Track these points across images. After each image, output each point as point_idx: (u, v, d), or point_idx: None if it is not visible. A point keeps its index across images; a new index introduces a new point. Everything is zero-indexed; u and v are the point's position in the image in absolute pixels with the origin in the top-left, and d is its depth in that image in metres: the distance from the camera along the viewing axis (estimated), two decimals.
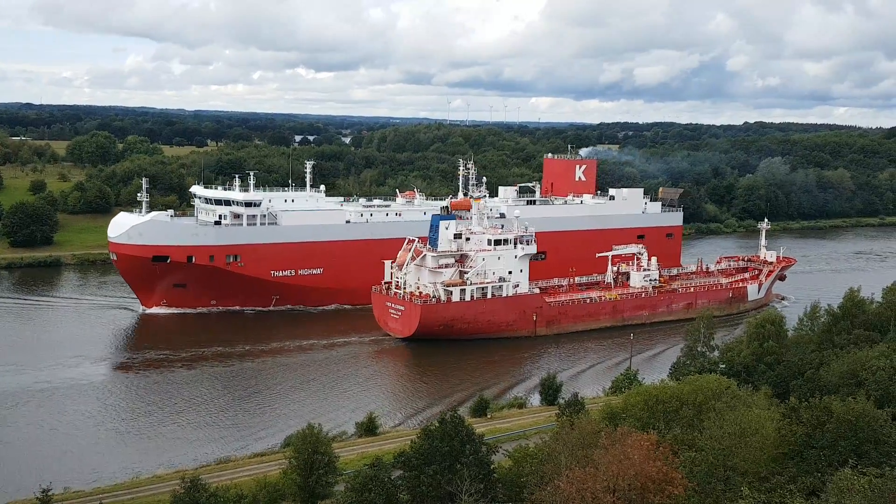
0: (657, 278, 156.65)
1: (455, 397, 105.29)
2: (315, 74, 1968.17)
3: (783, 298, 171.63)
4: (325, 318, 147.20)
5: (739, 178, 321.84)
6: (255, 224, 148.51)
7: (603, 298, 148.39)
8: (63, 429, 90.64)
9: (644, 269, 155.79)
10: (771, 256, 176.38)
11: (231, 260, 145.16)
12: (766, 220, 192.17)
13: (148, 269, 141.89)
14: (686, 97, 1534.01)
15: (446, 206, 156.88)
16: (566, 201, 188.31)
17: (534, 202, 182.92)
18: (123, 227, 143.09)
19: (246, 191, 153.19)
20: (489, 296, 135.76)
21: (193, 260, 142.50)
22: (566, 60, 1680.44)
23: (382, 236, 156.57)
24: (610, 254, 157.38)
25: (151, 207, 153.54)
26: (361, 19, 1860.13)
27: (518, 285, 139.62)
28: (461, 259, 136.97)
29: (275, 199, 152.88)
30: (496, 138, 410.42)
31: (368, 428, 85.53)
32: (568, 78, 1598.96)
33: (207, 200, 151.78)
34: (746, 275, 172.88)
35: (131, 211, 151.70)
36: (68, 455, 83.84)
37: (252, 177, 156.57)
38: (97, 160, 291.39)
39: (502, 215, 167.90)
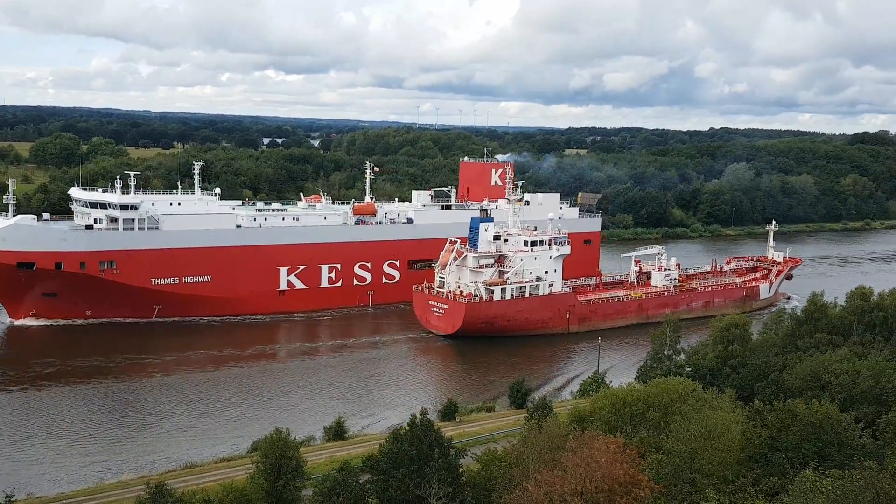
0: (677, 278, 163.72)
1: (497, 391, 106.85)
2: (284, 77, 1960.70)
3: (789, 297, 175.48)
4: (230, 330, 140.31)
5: (705, 184, 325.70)
6: (132, 228, 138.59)
7: (629, 297, 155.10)
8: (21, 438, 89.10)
9: (665, 269, 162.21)
10: (779, 257, 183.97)
11: (105, 267, 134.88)
12: (773, 222, 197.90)
13: (13, 278, 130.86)
14: (654, 103, 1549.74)
15: (485, 209, 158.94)
16: (481, 206, 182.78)
17: (449, 207, 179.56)
18: None
19: (127, 193, 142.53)
20: (527, 294, 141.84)
21: (63, 267, 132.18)
22: (537, 66, 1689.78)
23: (276, 242, 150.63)
24: (633, 254, 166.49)
25: (20, 211, 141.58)
26: (332, 23, 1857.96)
27: (553, 284, 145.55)
28: (500, 259, 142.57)
29: (158, 203, 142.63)
30: (465, 142, 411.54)
31: (337, 432, 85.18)
32: (538, 83, 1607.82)
33: (84, 203, 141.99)
34: (757, 274, 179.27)
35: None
36: (24, 463, 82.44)
37: (133, 178, 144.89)
38: (61, 162, 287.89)
39: (409, 220, 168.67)
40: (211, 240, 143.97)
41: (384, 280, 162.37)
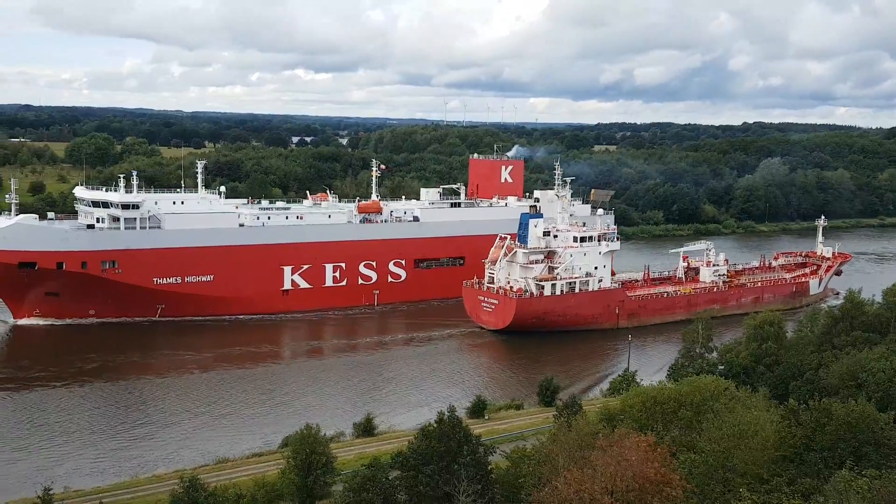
0: (726, 273, 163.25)
1: (527, 389, 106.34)
2: (313, 76, 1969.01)
3: (838, 293, 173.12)
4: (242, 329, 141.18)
5: (738, 179, 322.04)
6: (134, 227, 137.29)
7: (678, 293, 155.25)
8: (59, 431, 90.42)
9: (713, 265, 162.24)
10: (828, 252, 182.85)
11: (107, 266, 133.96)
12: (822, 217, 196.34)
13: (14, 277, 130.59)
14: (685, 97, 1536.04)
15: (534, 205, 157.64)
16: (491, 204, 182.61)
17: (458, 205, 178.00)
18: None
19: (130, 192, 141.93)
20: (577, 290, 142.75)
21: (64, 266, 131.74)
22: (565, 61, 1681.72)
23: (280, 241, 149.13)
24: (681, 250, 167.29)
25: (23, 210, 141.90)
26: (360, 21, 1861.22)
27: (602, 280, 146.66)
28: (549, 255, 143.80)
29: (161, 202, 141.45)
30: (493, 139, 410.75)
31: (366, 429, 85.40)
32: (567, 78, 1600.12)
33: (87, 203, 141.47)
34: (807, 270, 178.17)
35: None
36: (61, 457, 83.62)
37: (135, 177, 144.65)
38: (96, 161, 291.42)
39: (416, 218, 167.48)
40: (213, 239, 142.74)
41: (390, 279, 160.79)
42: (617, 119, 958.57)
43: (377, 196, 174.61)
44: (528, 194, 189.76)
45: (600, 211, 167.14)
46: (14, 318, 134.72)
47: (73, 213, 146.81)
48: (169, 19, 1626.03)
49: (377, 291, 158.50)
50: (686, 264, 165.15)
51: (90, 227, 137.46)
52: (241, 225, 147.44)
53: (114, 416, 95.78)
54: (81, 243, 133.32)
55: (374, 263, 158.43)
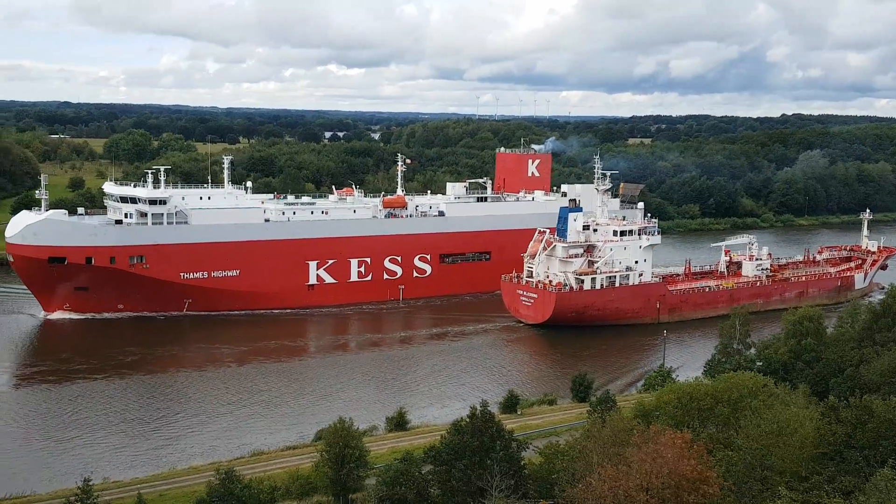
0: (769, 267, 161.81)
1: (561, 384, 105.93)
2: (346, 71, 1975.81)
3: (884, 287, 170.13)
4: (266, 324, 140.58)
5: (777, 172, 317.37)
6: (161, 223, 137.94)
7: (720, 287, 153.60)
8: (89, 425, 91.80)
9: (756, 259, 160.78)
10: (873, 246, 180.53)
11: (135, 261, 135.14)
12: (868, 210, 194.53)
13: (45, 272, 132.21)
14: (722, 89, 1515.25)
15: (574, 199, 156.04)
16: (518, 198, 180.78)
17: (485, 199, 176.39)
18: (19, 226, 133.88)
19: (157, 187, 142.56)
20: (617, 284, 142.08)
21: (93, 261, 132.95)
22: (599, 53, 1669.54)
23: (305, 236, 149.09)
24: (722, 244, 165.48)
25: (23, 205, 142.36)
26: (393, 15, 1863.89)
27: (642, 274, 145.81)
28: (589, 249, 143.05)
29: (188, 197, 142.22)
30: (525, 132, 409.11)
31: (398, 423, 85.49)
32: (600, 71, 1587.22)
33: (115, 198, 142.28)
34: (852, 264, 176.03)
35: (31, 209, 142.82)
36: (99, 448, 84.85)
37: (162, 172, 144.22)
38: (133, 157, 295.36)
39: (441, 213, 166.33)
40: (239, 234, 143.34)
41: (415, 274, 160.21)
42: (652, 111, 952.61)
43: (402, 191, 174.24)
44: (555, 188, 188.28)
45: (641, 204, 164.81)
46: (44, 311, 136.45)
47: (104, 209, 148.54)
48: (205, 16, 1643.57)
49: (402, 286, 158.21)
50: (728, 258, 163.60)
51: (118, 222, 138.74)
52: (267, 220, 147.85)
53: (151, 408, 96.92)
54: (109, 238, 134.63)
55: (399, 258, 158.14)
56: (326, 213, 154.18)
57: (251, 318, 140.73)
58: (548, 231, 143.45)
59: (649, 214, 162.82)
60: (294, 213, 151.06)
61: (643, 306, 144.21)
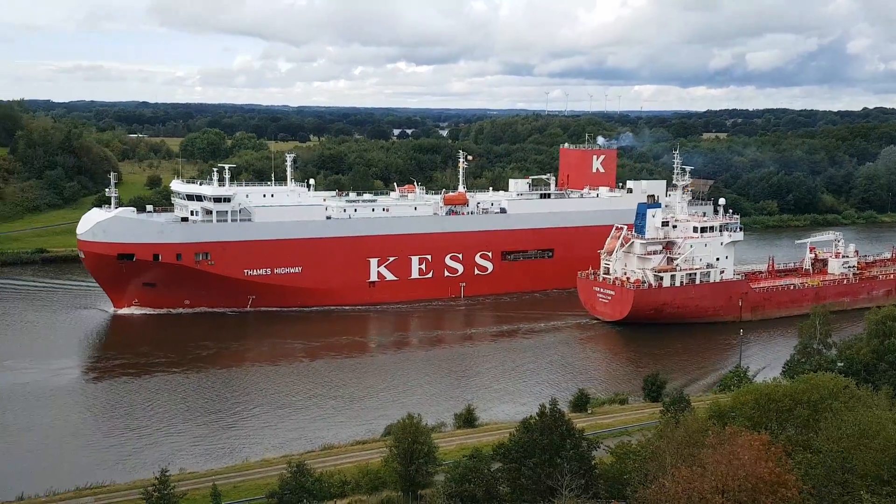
0: (856, 265, 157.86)
1: (633, 383, 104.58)
2: (415, 68, 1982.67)
3: None
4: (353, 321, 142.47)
5: (858, 167, 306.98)
6: (225, 220, 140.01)
7: (805, 285, 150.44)
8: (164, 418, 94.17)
9: (842, 256, 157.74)
10: None
11: (200, 258, 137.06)
12: None
13: (114, 268, 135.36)
14: (801, 82, 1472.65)
15: (653, 195, 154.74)
16: (582, 195, 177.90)
17: (548, 195, 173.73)
18: (89, 223, 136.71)
19: (222, 185, 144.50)
20: (697, 281, 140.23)
21: (160, 258, 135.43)
22: (674, 46, 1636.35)
23: (366, 233, 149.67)
24: (807, 241, 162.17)
25: (103, 203, 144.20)
26: (462, 12, 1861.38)
27: (724, 271, 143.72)
28: (668, 246, 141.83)
29: (252, 195, 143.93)
30: (596, 128, 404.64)
31: (467, 419, 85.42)
32: (674, 64, 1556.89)
33: (182, 196, 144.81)
34: None
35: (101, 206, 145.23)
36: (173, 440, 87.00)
37: (227, 170, 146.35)
38: (208, 156, 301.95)
39: (503, 210, 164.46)
40: (301, 231, 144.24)
41: (476, 272, 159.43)
42: (727, 105, 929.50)
43: (464, 188, 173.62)
44: (620, 185, 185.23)
45: (722, 201, 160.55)
46: (114, 307, 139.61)
47: (172, 207, 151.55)
48: (277, 16, 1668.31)
49: (464, 284, 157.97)
50: (813, 256, 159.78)
51: (184, 219, 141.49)
52: (329, 217, 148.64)
53: (226, 401, 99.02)
54: (176, 236, 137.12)
55: (460, 256, 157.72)
56: (387, 210, 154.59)
57: (314, 315, 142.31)
58: (625, 227, 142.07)
59: (731, 210, 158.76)
60: (355, 210, 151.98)
61: (724, 304, 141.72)
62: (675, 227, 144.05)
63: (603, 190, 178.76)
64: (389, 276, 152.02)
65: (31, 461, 79.64)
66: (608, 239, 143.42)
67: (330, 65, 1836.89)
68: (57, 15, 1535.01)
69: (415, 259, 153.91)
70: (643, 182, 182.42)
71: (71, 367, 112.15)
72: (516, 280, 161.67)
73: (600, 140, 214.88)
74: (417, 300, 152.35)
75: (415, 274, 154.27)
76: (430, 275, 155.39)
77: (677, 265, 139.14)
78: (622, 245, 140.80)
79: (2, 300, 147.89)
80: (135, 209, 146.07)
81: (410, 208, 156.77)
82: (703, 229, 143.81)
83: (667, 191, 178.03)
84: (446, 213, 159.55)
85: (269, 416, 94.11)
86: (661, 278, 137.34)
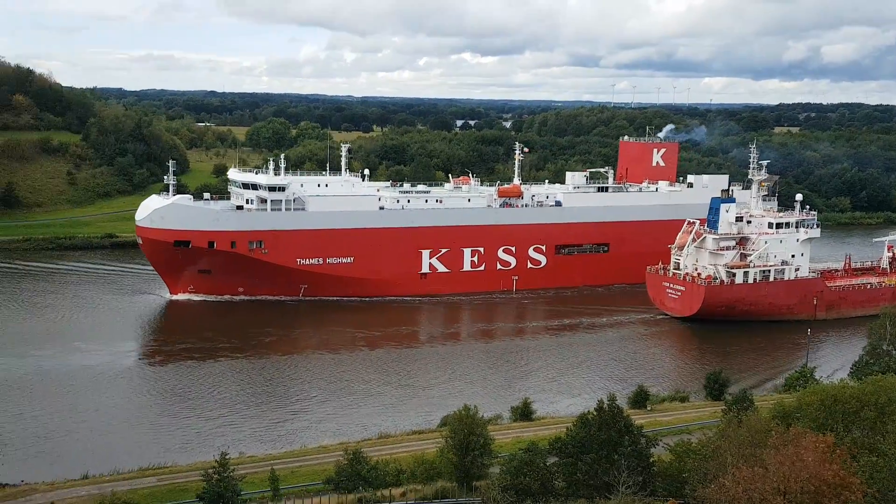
0: None
1: (694, 381, 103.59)
2: (480, 59, 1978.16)
3: None
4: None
5: None
6: (279, 209, 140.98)
7: (883, 284, 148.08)
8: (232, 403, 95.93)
9: None
10: None
11: (254, 246, 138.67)
12: None
13: (171, 255, 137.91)
14: (878, 76, 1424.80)
15: (727, 189, 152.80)
16: (640, 188, 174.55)
17: (605, 189, 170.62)
18: (147, 210, 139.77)
19: (277, 174, 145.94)
20: (771, 279, 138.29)
21: (215, 246, 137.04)
22: (746, 38, 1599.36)
23: (419, 224, 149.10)
24: (885, 239, 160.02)
25: (180, 190, 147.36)
26: (528, 2, 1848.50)
27: (799, 269, 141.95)
28: (741, 242, 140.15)
29: (306, 184, 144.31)
30: (663, 121, 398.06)
31: (523, 413, 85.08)
32: (747, 56, 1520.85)
33: (238, 185, 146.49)
34: None
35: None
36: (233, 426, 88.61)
37: (282, 160, 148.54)
38: (273, 145, 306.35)
39: (558, 203, 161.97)
40: (354, 221, 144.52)
41: (529, 265, 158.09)
42: (801, 99, 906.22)
43: (519, 180, 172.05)
44: (681, 178, 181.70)
45: (799, 196, 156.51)
46: (171, 293, 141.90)
47: (229, 195, 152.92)
48: (344, 6, 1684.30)
49: (516, 277, 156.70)
50: (891, 254, 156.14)
51: (239, 208, 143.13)
52: (382, 208, 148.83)
53: (285, 387, 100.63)
54: (230, 223, 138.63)
55: (513, 249, 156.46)
56: (441, 201, 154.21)
57: (366, 305, 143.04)
58: (697, 222, 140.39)
59: (808, 207, 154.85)
60: (408, 201, 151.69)
61: (798, 302, 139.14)
62: (749, 222, 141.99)
63: (662, 184, 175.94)
64: (441, 268, 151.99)
65: (97, 441, 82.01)
66: (679, 233, 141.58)
67: (395, 55, 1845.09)
68: (130, 5, 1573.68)
69: (467, 251, 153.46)
70: (704, 177, 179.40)
71: (136, 350, 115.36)
72: (570, 274, 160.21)
73: (665, 130, 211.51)
74: (469, 293, 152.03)
75: (467, 266, 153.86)
76: (482, 267, 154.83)
77: (751, 261, 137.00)
78: (694, 240, 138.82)
79: (73, 283, 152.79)
80: (191, 197, 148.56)
81: (464, 200, 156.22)
82: (779, 225, 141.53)
83: (729, 186, 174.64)
84: (500, 206, 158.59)
85: (327, 403, 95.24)
86: (734, 274, 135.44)
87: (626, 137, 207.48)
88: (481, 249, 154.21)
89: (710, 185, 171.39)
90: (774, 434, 50.12)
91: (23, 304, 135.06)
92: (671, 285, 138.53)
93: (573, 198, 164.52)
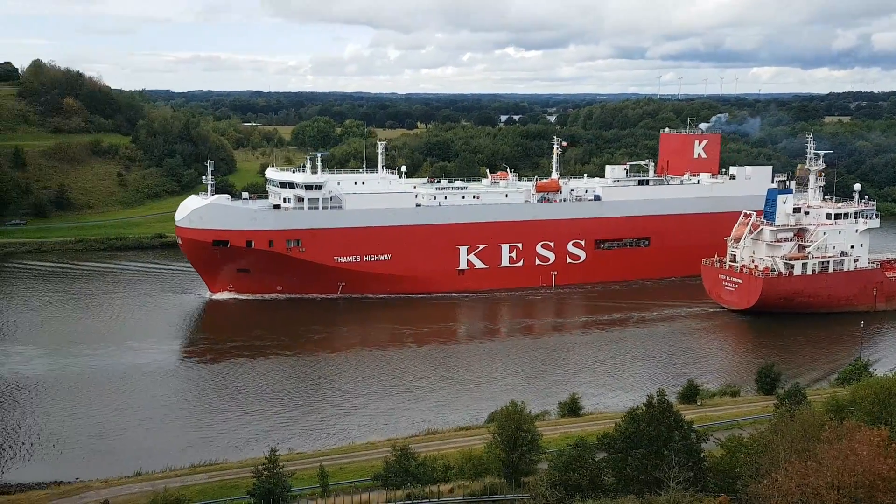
0: None
1: (745, 375, 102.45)
2: (523, 53, 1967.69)
3: None
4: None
5: None
6: (316, 207, 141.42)
7: None
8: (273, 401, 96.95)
9: None
10: None
11: (292, 245, 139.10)
12: None
13: (209, 254, 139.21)
14: None
15: (785, 180, 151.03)
16: (682, 181, 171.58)
17: (646, 182, 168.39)
18: (186, 210, 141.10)
19: (315, 172, 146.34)
20: (830, 270, 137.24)
21: (253, 245, 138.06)
22: (795, 27, 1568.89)
23: (456, 220, 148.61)
24: None
25: (219, 190, 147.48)
26: None
27: (858, 259, 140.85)
28: (799, 233, 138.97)
29: (343, 182, 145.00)
30: (710, 112, 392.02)
31: (571, 408, 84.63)
32: (795, 45, 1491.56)
33: (276, 183, 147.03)
34: None
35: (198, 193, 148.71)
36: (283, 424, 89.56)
37: (319, 158, 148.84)
38: (318, 144, 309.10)
39: (597, 197, 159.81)
40: (391, 219, 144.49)
41: (568, 260, 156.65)
42: (851, 88, 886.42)
43: (557, 174, 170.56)
44: (723, 170, 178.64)
45: (857, 186, 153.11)
46: (210, 292, 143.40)
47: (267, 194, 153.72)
48: (387, 4, 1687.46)
49: (555, 273, 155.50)
50: None
51: (276, 207, 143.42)
52: (418, 205, 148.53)
53: (332, 383, 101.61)
54: (268, 223, 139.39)
55: (551, 244, 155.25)
56: (478, 197, 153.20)
57: (404, 302, 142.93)
58: (754, 214, 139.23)
59: (866, 197, 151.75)
60: (445, 197, 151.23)
61: (858, 294, 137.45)
62: (807, 213, 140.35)
63: (704, 176, 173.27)
64: (479, 264, 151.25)
65: (150, 438, 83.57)
66: (736, 226, 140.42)
67: (438, 52, 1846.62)
68: (176, 8, 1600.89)
69: (505, 247, 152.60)
70: (747, 168, 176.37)
71: (187, 349, 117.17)
72: (610, 269, 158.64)
73: (713, 120, 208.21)
74: (507, 289, 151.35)
75: (505, 262, 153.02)
76: (520, 263, 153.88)
77: (809, 253, 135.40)
78: (750, 232, 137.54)
79: (124, 282, 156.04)
80: (229, 196, 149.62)
81: (501, 195, 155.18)
82: (838, 216, 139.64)
83: (773, 177, 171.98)
84: (538, 201, 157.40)
85: (374, 399, 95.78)
86: (792, 266, 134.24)
87: (666, 129, 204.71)
88: (519, 245, 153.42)
89: (752, 176, 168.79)
90: (828, 428, 49.30)
91: (77, 304, 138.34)
92: (728, 278, 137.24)
93: (612, 191, 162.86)
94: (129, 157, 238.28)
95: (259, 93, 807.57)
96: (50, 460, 78.07)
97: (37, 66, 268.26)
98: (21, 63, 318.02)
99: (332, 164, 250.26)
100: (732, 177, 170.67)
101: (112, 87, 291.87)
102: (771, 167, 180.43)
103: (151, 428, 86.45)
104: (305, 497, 61.76)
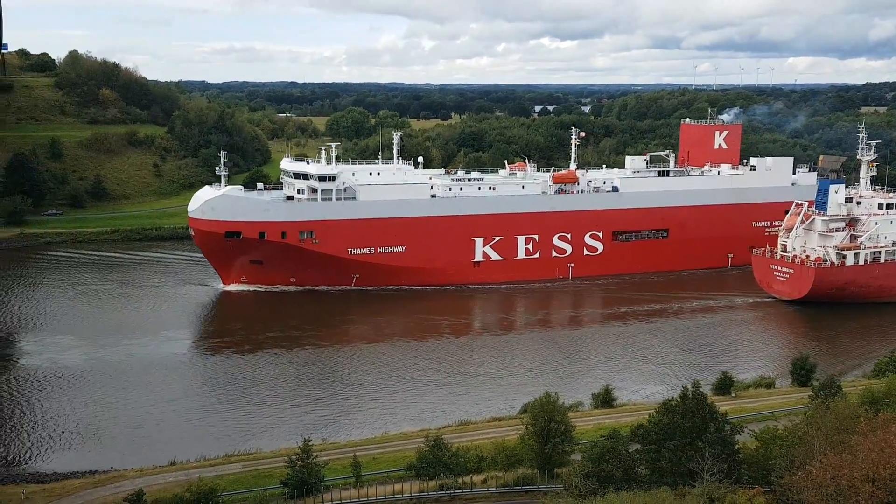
0: None
1: (780, 366, 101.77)
2: (558, 44, 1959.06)
3: None
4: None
5: None
6: (330, 199, 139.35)
7: None
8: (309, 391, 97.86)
9: None
10: None
11: (305, 237, 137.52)
12: None
13: (222, 245, 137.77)
14: None
15: (836, 171, 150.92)
16: (702, 172, 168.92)
17: (666, 173, 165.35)
18: (199, 201, 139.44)
19: (329, 163, 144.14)
20: (882, 260, 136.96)
21: (265, 236, 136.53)
22: (832, 16, 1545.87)
23: (472, 212, 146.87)
24: None
25: (260, 180, 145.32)
26: None
27: None
28: (851, 223, 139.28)
29: (358, 173, 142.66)
30: (746, 102, 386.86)
31: (604, 400, 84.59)
32: (832, 35, 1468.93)
33: (290, 175, 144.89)
34: None
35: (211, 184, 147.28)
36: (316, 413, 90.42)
37: (333, 148, 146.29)
38: (352, 134, 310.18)
39: (615, 189, 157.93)
40: (406, 210, 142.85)
41: (585, 252, 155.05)
42: (889, 78, 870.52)
43: (574, 165, 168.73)
44: (744, 161, 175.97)
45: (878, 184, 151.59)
46: (223, 283, 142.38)
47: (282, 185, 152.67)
48: None
49: (572, 264, 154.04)
50: None
51: (289, 198, 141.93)
52: (433, 196, 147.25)
53: (366, 374, 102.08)
54: (281, 214, 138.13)
55: (568, 236, 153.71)
56: (494, 188, 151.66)
57: (422, 294, 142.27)
58: (805, 204, 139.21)
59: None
60: (461, 188, 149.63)
61: None
62: (858, 203, 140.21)
63: (724, 167, 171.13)
64: (495, 256, 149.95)
65: (185, 428, 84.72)
66: (787, 216, 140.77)
67: (472, 42, 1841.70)
68: None
69: (521, 239, 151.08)
70: (767, 159, 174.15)
71: (224, 339, 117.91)
72: (627, 261, 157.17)
73: (757, 110, 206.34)
74: (523, 280, 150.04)
75: (521, 254, 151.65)
76: (536, 255, 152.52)
77: (861, 243, 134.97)
78: (802, 222, 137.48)
79: (160, 272, 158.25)
80: (242, 187, 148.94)
81: (518, 187, 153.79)
82: (890, 206, 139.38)
83: (794, 168, 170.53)
84: (555, 192, 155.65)
85: (407, 390, 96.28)
86: (844, 256, 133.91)
87: (687, 120, 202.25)
88: (536, 237, 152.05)
89: (773, 167, 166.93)
90: (863, 420, 48.97)
91: (112, 294, 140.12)
92: (779, 268, 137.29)
93: (631, 183, 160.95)
94: (164, 148, 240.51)
95: (294, 83, 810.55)
96: (85, 449, 79.24)
97: (73, 56, 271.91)
98: (58, 54, 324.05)
99: (367, 155, 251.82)
100: (753, 168, 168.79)
101: (148, 78, 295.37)
102: (792, 158, 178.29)
103: (187, 417, 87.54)
104: (339, 487, 62.35)
